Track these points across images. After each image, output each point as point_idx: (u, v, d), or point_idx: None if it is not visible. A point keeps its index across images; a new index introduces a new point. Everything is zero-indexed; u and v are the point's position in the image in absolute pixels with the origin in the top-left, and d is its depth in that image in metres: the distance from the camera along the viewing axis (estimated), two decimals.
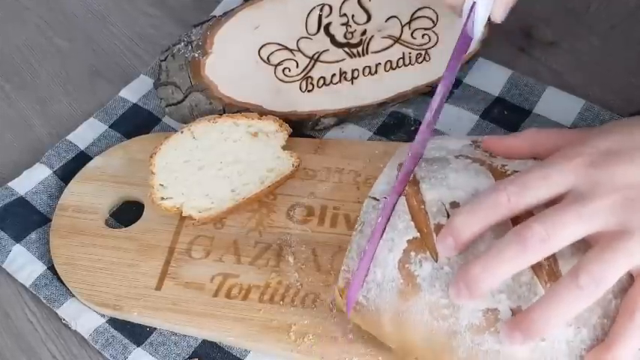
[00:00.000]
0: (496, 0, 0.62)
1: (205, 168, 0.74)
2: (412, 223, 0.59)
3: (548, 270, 0.55)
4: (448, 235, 0.56)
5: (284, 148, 0.75)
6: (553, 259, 0.55)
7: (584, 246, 0.54)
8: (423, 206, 0.59)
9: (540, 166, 0.56)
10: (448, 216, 0.58)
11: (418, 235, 0.58)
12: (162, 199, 0.72)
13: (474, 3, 0.62)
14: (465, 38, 0.63)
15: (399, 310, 0.58)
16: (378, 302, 0.59)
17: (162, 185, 0.73)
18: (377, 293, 0.59)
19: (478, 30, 0.64)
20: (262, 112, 0.76)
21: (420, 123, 0.78)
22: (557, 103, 0.78)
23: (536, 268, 0.55)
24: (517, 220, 0.55)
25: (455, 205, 0.58)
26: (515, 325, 0.54)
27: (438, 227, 0.57)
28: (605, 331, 0.54)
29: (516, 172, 0.59)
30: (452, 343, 0.56)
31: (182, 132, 0.74)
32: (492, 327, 0.55)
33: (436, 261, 0.57)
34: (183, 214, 0.72)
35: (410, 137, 0.76)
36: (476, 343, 0.56)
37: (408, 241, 0.58)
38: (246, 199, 0.73)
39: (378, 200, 0.62)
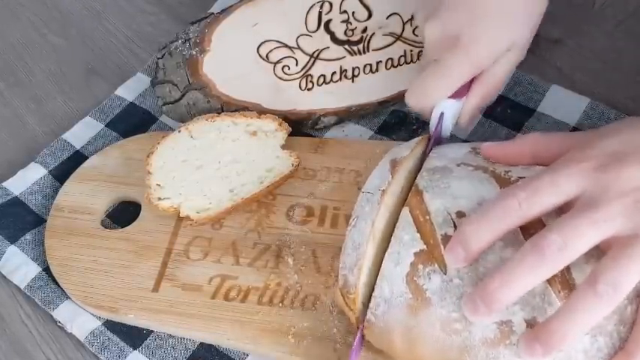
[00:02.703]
0: (462, 111, 0.70)
1: (203, 168, 0.73)
2: (418, 235, 0.57)
3: (561, 279, 0.54)
4: (458, 246, 0.54)
5: (283, 147, 0.75)
6: (566, 267, 0.54)
7: (596, 253, 0.53)
8: (428, 217, 0.58)
9: (548, 171, 0.55)
10: (455, 226, 0.56)
11: (425, 247, 0.57)
12: (160, 199, 0.72)
13: (442, 113, 0.68)
14: (435, 140, 0.68)
15: (409, 326, 0.57)
16: (387, 318, 0.58)
17: (159, 185, 0.72)
18: (385, 309, 0.58)
19: (446, 133, 0.70)
20: (261, 111, 0.76)
21: (421, 122, 0.78)
22: (561, 102, 0.78)
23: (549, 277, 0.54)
24: (526, 228, 0.55)
25: (461, 214, 0.57)
26: (534, 337, 0.53)
27: (445, 238, 0.56)
28: (622, 338, 0.53)
29: (521, 178, 0.58)
30: (465, 358, 0.55)
31: (179, 131, 0.74)
32: (507, 340, 0.54)
33: (445, 273, 0.56)
34: (181, 215, 0.72)
35: (411, 136, 0.76)
36: (491, 357, 0.54)
37: (415, 254, 0.57)
38: (245, 200, 0.72)
39: (372, 194, 0.61)
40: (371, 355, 0.63)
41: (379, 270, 0.58)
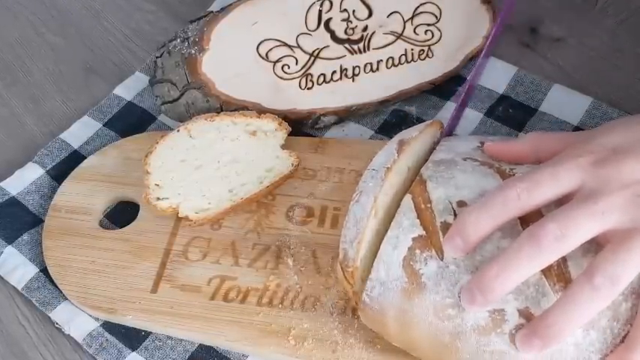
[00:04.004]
0: None
1: (202, 168, 0.73)
2: (417, 220, 0.58)
3: (556, 271, 0.54)
4: (456, 236, 0.55)
5: (283, 147, 0.74)
6: (562, 259, 0.54)
7: (593, 247, 0.53)
8: (429, 205, 0.58)
9: (549, 164, 0.55)
10: (455, 214, 0.57)
11: (424, 232, 0.57)
12: (158, 199, 0.71)
13: None
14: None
15: (403, 309, 0.57)
16: (381, 301, 0.58)
17: (157, 185, 0.71)
18: (381, 292, 0.58)
19: None
20: (261, 110, 0.75)
21: (422, 121, 0.77)
22: (563, 101, 0.77)
23: (544, 268, 0.54)
24: (525, 220, 0.55)
25: (462, 203, 0.57)
26: (532, 332, 0.53)
27: (445, 225, 0.57)
28: (615, 334, 0.53)
29: None
30: (457, 343, 0.56)
31: (178, 131, 0.73)
32: (499, 328, 0.54)
33: (442, 259, 0.56)
34: (180, 215, 0.71)
35: None
36: (481, 344, 0.55)
37: (413, 239, 0.57)
38: (245, 200, 0.72)
39: (376, 170, 0.61)
40: (372, 356, 0.63)
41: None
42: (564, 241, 0.52)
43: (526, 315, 0.54)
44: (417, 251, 0.57)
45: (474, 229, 0.54)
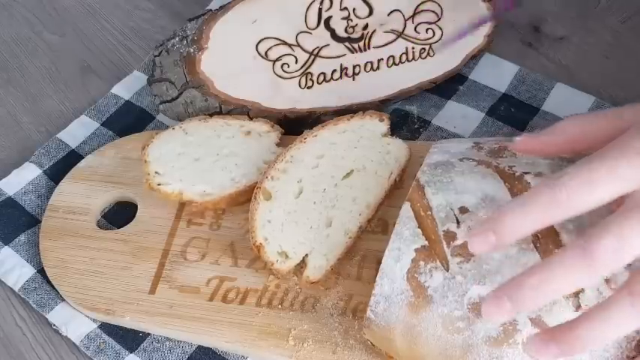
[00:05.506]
0: None
1: (201, 160, 0.72)
2: (419, 230, 0.57)
3: None
4: (489, 232, 0.49)
5: (278, 145, 0.74)
6: None
7: None
8: (429, 212, 0.57)
9: (599, 159, 0.48)
10: (457, 222, 0.55)
11: (426, 243, 0.56)
12: (159, 185, 0.70)
13: None
14: None
15: (410, 325, 0.56)
16: (387, 316, 0.57)
17: (157, 173, 0.70)
18: (385, 307, 0.57)
19: None
20: (260, 110, 0.75)
21: (423, 120, 0.77)
22: (566, 100, 0.77)
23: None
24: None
25: (464, 210, 0.56)
26: (551, 338, 0.49)
27: (448, 234, 0.55)
28: (629, 338, 0.52)
29: (525, 173, 0.56)
30: (468, 357, 0.54)
31: (173, 129, 0.72)
32: (511, 339, 0.53)
33: (447, 270, 0.55)
34: (184, 199, 0.70)
35: (413, 135, 0.75)
36: (494, 356, 0.54)
37: (416, 250, 0.56)
38: (247, 187, 0.71)
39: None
40: (372, 357, 0.62)
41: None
42: (621, 254, 0.45)
43: (538, 324, 0.52)
44: (421, 263, 0.56)
45: (513, 229, 0.48)
